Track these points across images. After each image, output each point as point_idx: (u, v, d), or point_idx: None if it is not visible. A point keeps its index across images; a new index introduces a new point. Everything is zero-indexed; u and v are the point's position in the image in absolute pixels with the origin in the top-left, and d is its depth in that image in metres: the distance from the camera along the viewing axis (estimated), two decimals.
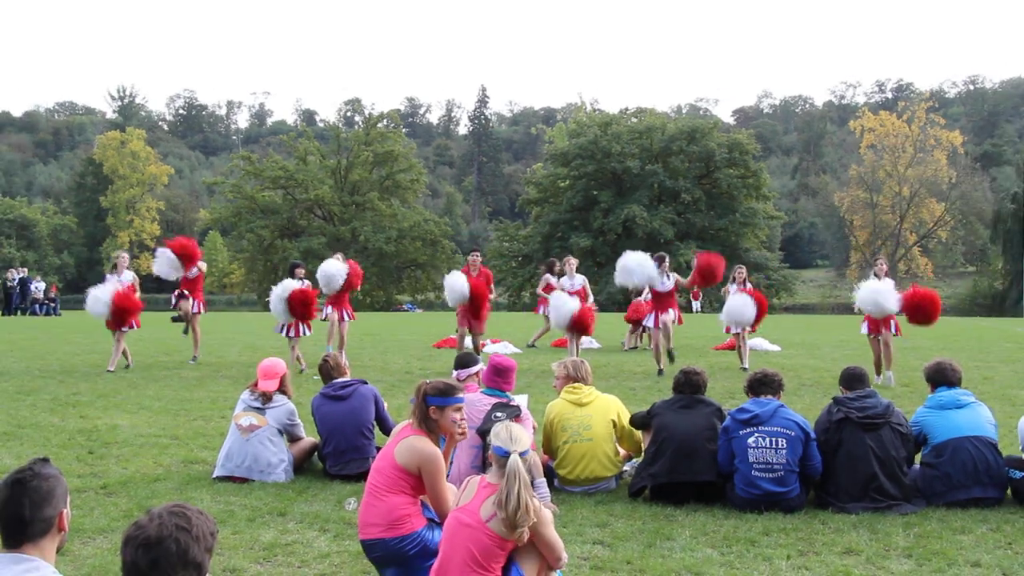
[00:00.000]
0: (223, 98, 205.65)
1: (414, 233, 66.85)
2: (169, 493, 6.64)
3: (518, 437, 4.09)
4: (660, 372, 13.57)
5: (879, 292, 12.91)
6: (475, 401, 6.54)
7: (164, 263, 14.80)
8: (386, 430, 7.18)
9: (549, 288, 16.58)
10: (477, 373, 7.14)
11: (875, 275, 13.77)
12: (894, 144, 75.22)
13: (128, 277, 14.35)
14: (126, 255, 15.01)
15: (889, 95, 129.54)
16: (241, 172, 67.77)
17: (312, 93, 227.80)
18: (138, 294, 14.13)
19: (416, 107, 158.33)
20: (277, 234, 65.94)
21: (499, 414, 5.94)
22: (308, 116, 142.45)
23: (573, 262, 17.08)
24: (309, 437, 7.61)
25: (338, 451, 7.17)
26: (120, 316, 13.80)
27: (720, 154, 61.42)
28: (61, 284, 70.00)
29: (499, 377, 6.64)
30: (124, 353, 14.33)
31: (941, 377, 6.70)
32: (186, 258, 14.72)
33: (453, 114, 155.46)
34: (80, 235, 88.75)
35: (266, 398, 7.35)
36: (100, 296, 13.81)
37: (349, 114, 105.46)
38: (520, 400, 6.68)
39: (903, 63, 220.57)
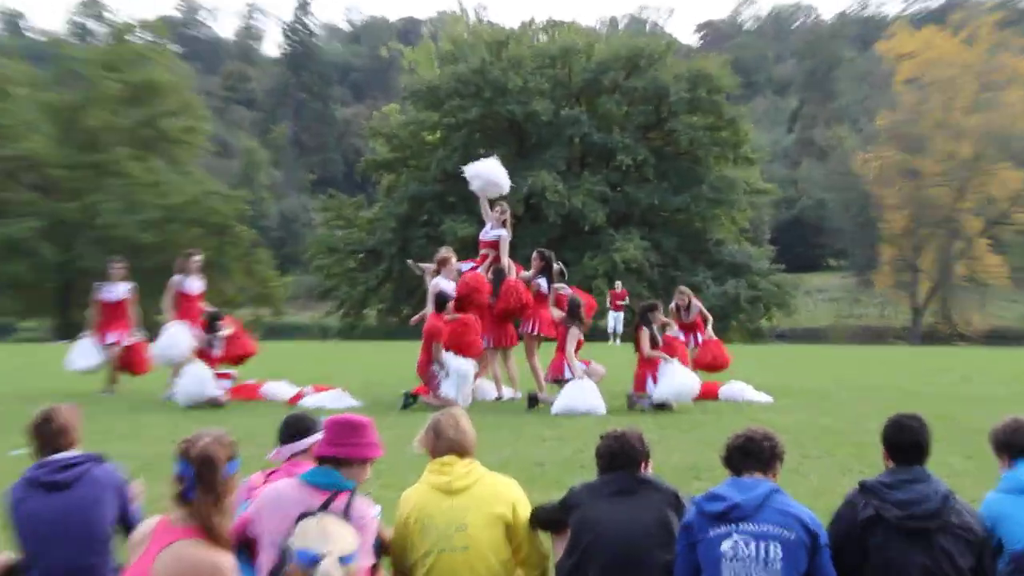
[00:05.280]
0: None
1: (190, 213, 65.93)
2: None
3: (335, 534, 4.01)
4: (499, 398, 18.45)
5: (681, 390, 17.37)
6: (282, 496, 6.27)
7: None
8: None
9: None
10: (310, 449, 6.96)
11: (676, 308, 17.67)
12: (946, 78, 76.21)
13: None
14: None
15: (936, 3, 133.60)
16: None
17: None
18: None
19: (194, 10, 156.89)
20: None
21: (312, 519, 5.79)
22: (10, 22, 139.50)
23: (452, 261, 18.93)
24: (1, 552, 7.34)
25: None
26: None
27: (678, 92, 62.39)
28: None
29: (340, 443, 6.41)
30: None
31: None
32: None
33: (255, 24, 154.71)
34: None
35: None
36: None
37: (83, 21, 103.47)
38: (366, 509, 6.44)
39: None
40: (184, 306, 19.60)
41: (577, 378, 17.24)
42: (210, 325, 18.90)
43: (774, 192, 72.71)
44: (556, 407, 16.83)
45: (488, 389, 18.80)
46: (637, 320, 18.30)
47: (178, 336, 18.90)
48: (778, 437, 6.60)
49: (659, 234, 61.94)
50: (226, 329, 19.07)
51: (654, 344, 17.91)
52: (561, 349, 17.74)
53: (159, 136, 69.10)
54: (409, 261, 21.45)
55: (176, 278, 19.99)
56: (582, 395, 16.93)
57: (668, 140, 63.80)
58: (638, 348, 18.04)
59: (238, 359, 19.38)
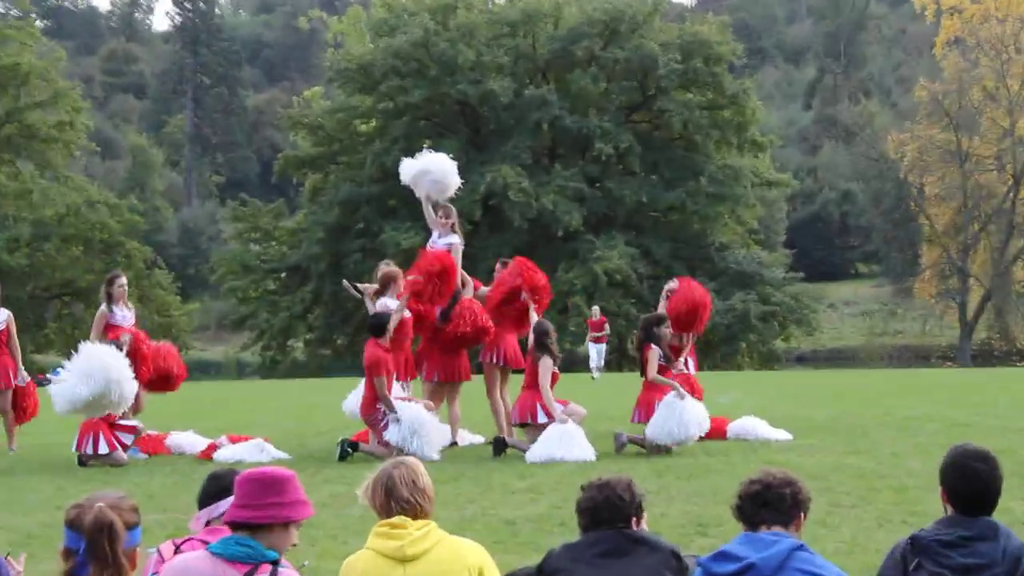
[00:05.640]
0: None
1: (68, 229, 66.31)
2: None
3: None
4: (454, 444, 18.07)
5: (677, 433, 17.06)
6: (190, 571, 6.08)
7: None
8: None
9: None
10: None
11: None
12: (999, 38, 76.02)
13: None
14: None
15: None
16: None
17: None
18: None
19: None
20: None
21: None
22: None
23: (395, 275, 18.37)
24: None
25: None
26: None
27: (668, 63, 62.70)
28: None
29: (255, 504, 6.22)
30: None
31: None
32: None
33: None
34: None
35: None
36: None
37: None
38: None
39: None
40: None
41: (558, 421, 16.98)
42: None
43: (789, 183, 73.11)
44: (534, 455, 16.54)
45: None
46: (641, 335, 17.91)
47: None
48: (801, 482, 6.46)
49: (648, 239, 62.12)
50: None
51: (665, 365, 17.69)
52: (531, 386, 17.49)
53: (25, 133, 68.95)
54: (344, 282, 21.16)
55: (102, 309, 19.50)
56: (566, 441, 16.63)
57: (657, 123, 64.22)
58: (644, 370, 17.76)
59: (160, 383, 19.24)
